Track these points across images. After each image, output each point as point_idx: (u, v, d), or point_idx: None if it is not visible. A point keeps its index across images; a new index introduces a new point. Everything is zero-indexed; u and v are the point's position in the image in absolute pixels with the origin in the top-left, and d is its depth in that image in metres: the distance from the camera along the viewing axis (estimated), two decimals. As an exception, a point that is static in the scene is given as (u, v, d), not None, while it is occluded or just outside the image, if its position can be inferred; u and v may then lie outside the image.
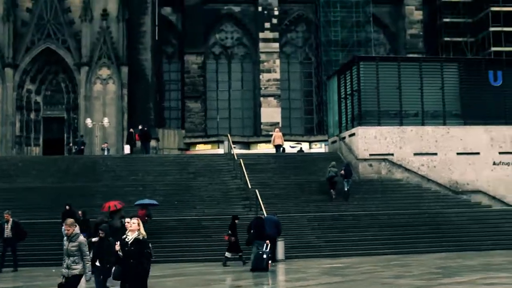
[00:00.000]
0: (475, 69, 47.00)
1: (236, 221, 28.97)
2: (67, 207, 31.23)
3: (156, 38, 65.06)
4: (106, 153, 50.45)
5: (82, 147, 51.54)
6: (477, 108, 44.49)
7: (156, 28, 65.12)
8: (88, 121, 55.75)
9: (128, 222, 16.29)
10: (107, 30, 59.50)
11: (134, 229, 15.82)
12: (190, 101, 69.45)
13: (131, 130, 51.14)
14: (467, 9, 72.55)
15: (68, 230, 15.76)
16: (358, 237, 33.15)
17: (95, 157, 48.31)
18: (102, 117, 56.79)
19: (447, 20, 72.27)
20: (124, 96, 58.97)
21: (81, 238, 15.86)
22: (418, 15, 72.93)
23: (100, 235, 19.17)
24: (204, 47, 71.13)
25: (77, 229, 15.90)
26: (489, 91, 44.83)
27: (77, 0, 60.96)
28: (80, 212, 30.09)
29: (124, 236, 15.96)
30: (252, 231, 27.48)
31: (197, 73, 69.75)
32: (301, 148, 58.04)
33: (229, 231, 28.65)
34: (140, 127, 49.70)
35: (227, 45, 73.12)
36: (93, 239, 21.94)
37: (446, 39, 71.82)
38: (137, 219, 16.03)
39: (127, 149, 51.16)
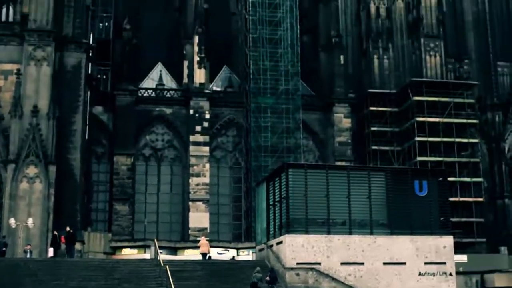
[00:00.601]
0: (401, 178, 47.64)
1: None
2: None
3: (87, 138, 64.74)
4: (28, 255, 49.09)
5: (4, 249, 49.83)
6: (403, 218, 44.98)
7: (87, 127, 64.88)
8: (12, 221, 54.39)
9: None
10: (37, 127, 58.80)
11: None
12: (118, 203, 68.77)
13: (55, 232, 50.14)
14: (394, 119, 74.73)
15: None
16: None
17: (17, 259, 46.92)
18: (26, 217, 55.41)
19: (375, 129, 74.21)
20: (50, 196, 57.89)
21: None
22: (346, 123, 74.71)
23: None
24: (134, 149, 71.14)
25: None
26: (414, 201, 45.45)
27: (7, 95, 60.48)
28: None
29: None
30: None
31: (126, 174, 69.38)
32: (233, 256, 57.67)
33: None
34: (67, 229, 48.81)
35: (157, 147, 73.18)
36: None
37: (373, 147, 73.56)
38: None
39: (51, 252, 49.83)
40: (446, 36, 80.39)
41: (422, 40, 76.56)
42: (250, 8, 73.92)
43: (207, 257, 48.38)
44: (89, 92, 66.95)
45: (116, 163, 69.63)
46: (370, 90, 75.49)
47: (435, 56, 76.61)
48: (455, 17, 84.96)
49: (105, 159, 71.61)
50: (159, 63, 76.62)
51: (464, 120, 72.96)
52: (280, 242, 43.25)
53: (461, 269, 51.19)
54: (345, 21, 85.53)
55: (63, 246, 49.07)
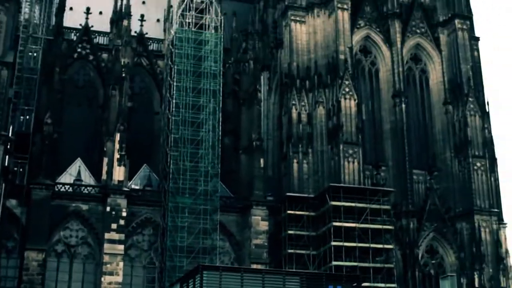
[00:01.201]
0: (316, 283, 48.10)
1: None
2: None
3: (-3, 232, 63.23)
4: None
5: None
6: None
7: (-1, 220, 63.47)
8: None
9: None
10: None
11: None
12: (26, 299, 66.62)
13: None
14: (311, 223, 75.03)
15: None
16: None
17: None
18: None
19: (292, 232, 74.16)
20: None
21: None
22: (264, 225, 74.58)
23: None
24: (46, 244, 69.09)
25: None
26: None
27: None
28: None
29: None
30: None
31: (37, 270, 67.01)
32: None
33: None
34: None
35: (71, 244, 71.11)
36: None
37: (290, 251, 73.35)
38: None
39: None
40: (364, 143, 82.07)
41: (341, 146, 77.96)
42: (174, 109, 74.28)
43: None
44: (4, 185, 65.66)
45: (26, 258, 67.30)
46: (288, 194, 75.95)
47: (353, 162, 78.01)
48: (374, 125, 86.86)
49: (15, 254, 69.30)
50: (79, 158, 75.69)
51: (380, 226, 73.69)
52: None
53: None
54: (267, 125, 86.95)
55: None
